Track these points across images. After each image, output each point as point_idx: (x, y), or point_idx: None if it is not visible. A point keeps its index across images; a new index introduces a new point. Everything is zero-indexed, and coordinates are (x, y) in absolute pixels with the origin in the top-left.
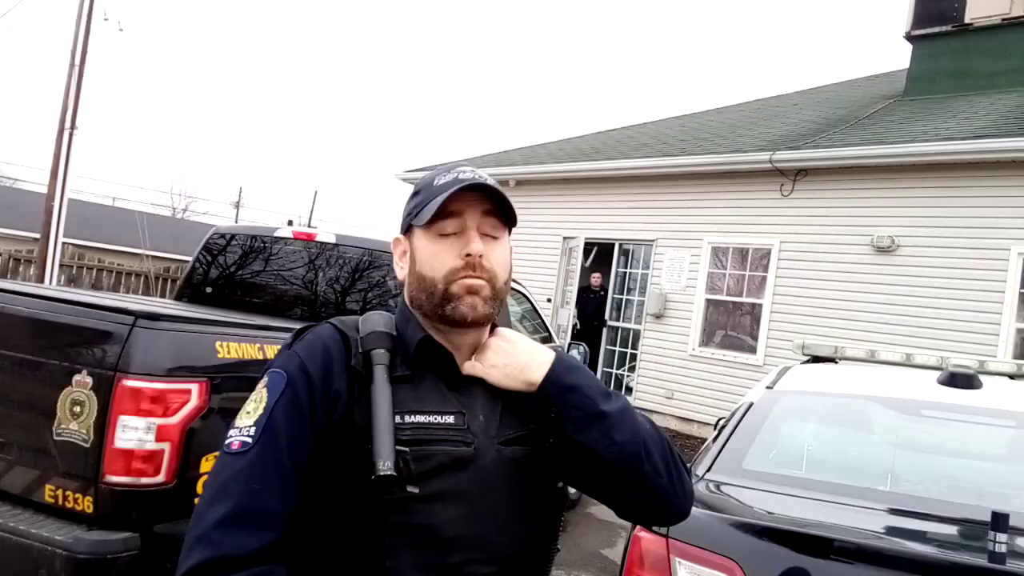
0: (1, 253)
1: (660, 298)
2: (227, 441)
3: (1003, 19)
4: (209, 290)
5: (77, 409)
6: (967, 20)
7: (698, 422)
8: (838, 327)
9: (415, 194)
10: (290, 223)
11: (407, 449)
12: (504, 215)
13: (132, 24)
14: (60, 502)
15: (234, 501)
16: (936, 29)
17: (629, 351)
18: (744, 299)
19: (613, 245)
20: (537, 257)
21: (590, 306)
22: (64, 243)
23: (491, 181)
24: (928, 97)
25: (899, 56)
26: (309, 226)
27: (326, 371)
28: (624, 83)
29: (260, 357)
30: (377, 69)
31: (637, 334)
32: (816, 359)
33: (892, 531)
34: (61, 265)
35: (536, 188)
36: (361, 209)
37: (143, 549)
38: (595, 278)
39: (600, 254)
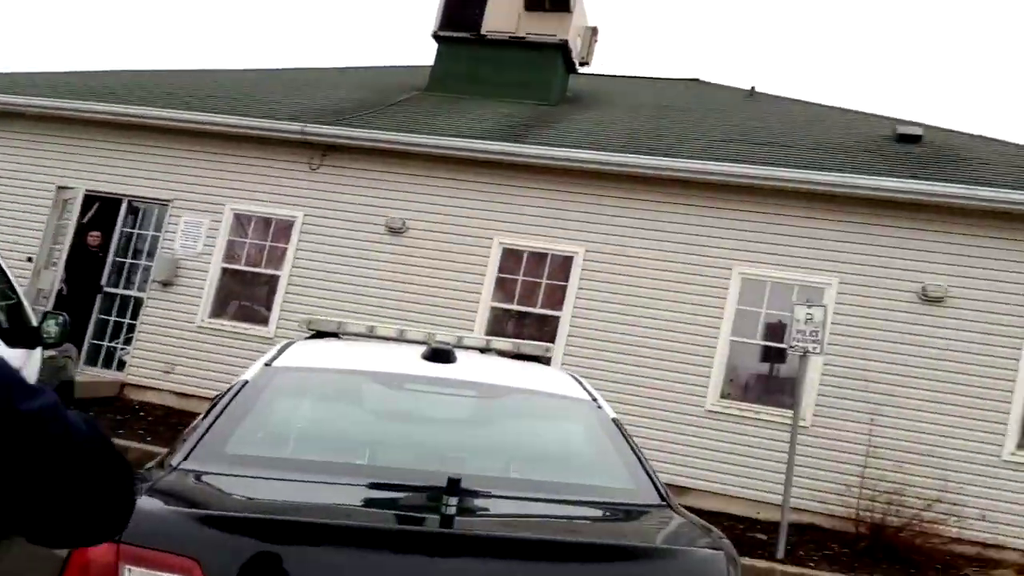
0: None
1: (171, 264)
2: None
3: (510, 36)
4: None
5: None
6: (483, 31)
7: (199, 397)
8: (351, 302)
9: None
10: None
11: None
12: None
13: None
14: None
15: None
16: (458, 34)
17: (128, 321)
18: (263, 270)
19: (120, 201)
20: (19, 207)
21: (85, 269)
22: None
23: None
24: (448, 94)
25: (427, 52)
26: None
27: None
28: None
29: None
30: None
31: (139, 302)
32: (320, 334)
33: (362, 505)
34: None
35: (23, 124)
36: None
37: None
38: (93, 237)
39: (103, 210)
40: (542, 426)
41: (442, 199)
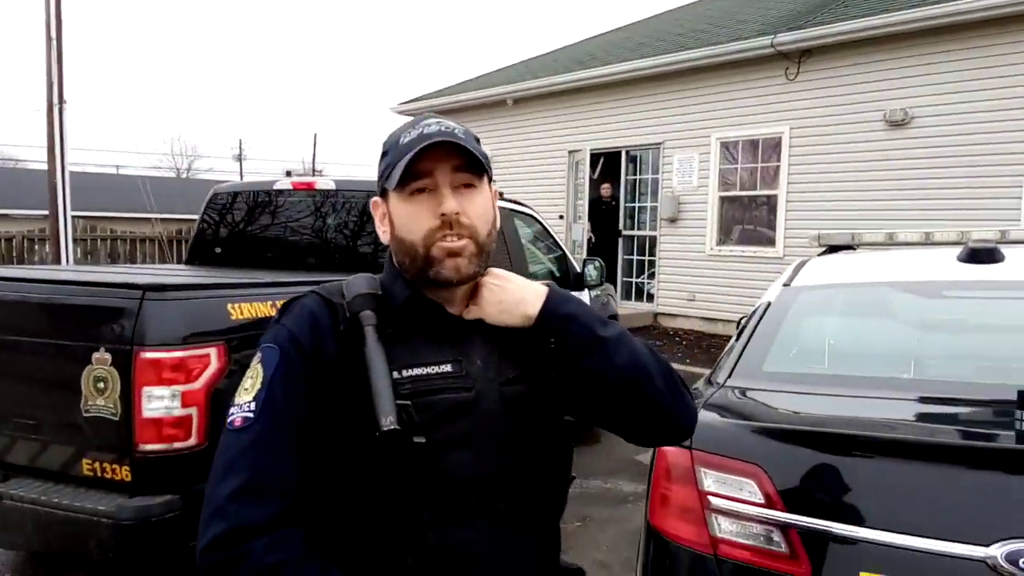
0: (14, 235)
1: (673, 201)
2: (229, 419)
3: None
4: (218, 251)
5: (101, 385)
6: None
7: (723, 321)
8: (857, 209)
9: (384, 155)
10: (288, 174)
11: (408, 402)
12: (476, 165)
13: None
14: (99, 474)
15: (245, 474)
16: None
17: (647, 258)
18: (758, 192)
19: (620, 153)
20: (544, 174)
21: (603, 217)
22: (74, 217)
23: (459, 131)
24: None
25: None
26: (313, 172)
27: (316, 339)
28: None
29: (273, 314)
30: (364, 2)
31: (653, 240)
32: (833, 249)
33: (918, 419)
34: (75, 240)
35: (535, 104)
36: (363, 146)
37: (185, 508)
38: (605, 189)
39: (607, 164)
40: None
41: (952, 75)
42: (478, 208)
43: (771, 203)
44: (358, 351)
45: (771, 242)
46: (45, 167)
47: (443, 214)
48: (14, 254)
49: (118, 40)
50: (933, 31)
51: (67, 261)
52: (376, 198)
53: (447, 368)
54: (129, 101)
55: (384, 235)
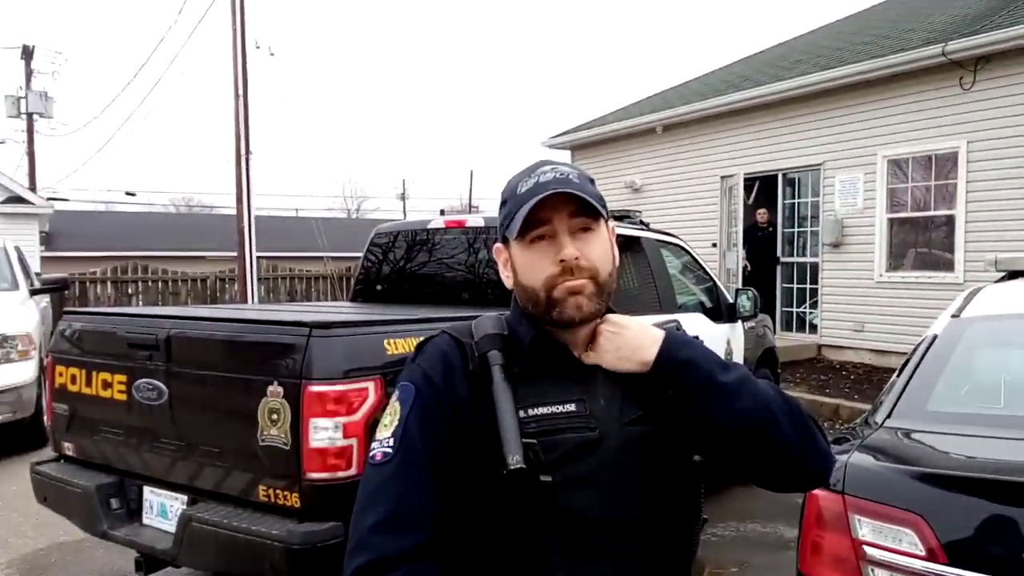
0: (208, 276)
1: (836, 225)
2: (371, 454)
3: None
4: (380, 288)
5: (275, 416)
6: None
7: (895, 353)
8: None
9: (503, 203)
10: (442, 213)
11: (535, 441)
12: (592, 210)
13: (281, 46)
14: (272, 500)
15: (385, 507)
16: None
17: (808, 286)
18: (933, 212)
19: (776, 176)
20: (695, 201)
21: (759, 245)
22: (259, 258)
23: (573, 175)
24: None
25: None
26: (470, 208)
27: (448, 378)
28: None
29: None
30: (515, 37)
31: (815, 267)
32: (1015, 275)
33: None
34: (259, 279)
35: (684, 130)
36: None
37: (347, 534)
38: (761, 214)
39: (763, 188)
40: None
41: None
42: (596, 251)
43: (949, 224)
44: (487, 390)
45: (949, 266)
46: (234, 212)
47: (563, 260)
48: (208, 293)
49: (295, 92)
50: None
51: (252, 299)
52: (498, 245)
53: (571, 407)
54: (307, 149)
55: (508, 280)
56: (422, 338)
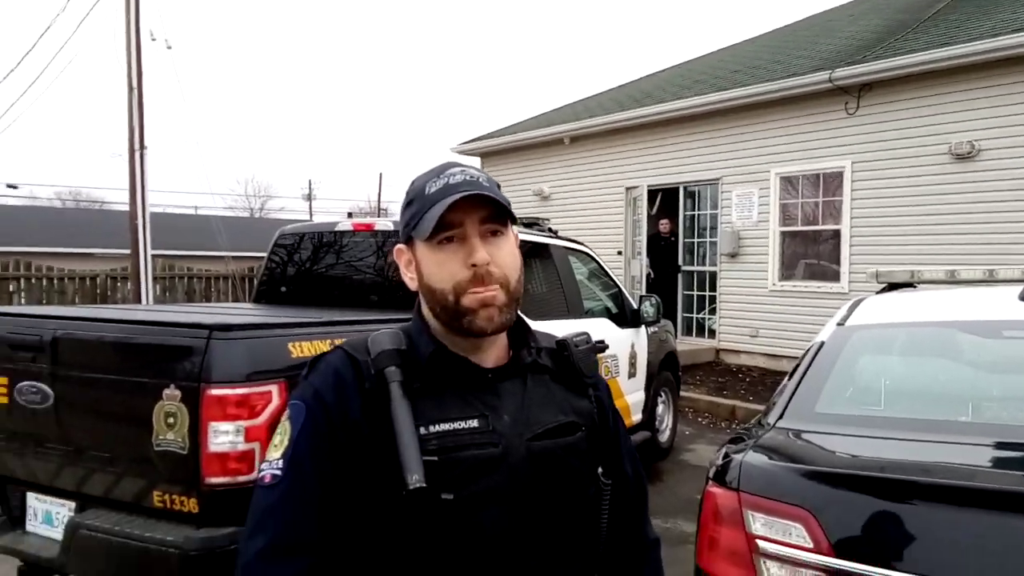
0: (98, 274)
1: (733, 236)
2: (260, 474)
3: None
4: (284, 290)
5: (171, 420)
6: None
7: (787, 357)
8: (922, 244)
9: (409, 203)
10: (349, 215)
11: (435, 458)
12: (503, 214)
13: (179, 40)
14: (168, 505)
15: (271, 533)
16: None
17: (707, 294)
18: (821, 227)
19: (677, 189)
20: (601, 210)
21: (662, 253)
22: (154, 256)
23: (483, 179)
24: None
25: None
26: (379, 211)
27: (341, 397)
28: (668, 20)
29: None
30: (426, 42)
31: (714, 276)
32: (892, 286)
33: (976, 464)
34: (155, 278)
35: (592, 142)
36: None
37: None
38: (663, 224)
39: (665, 200)
40: None
41: (1021, 113)
42: (506, 256)
43: (836, 238)
44: (384, 408)
45: (836, 277)
46: (127, 208)
47: (475, 264)
48: (98, 291)
49: (195, 87)
50: (1000, 63)
51: (147, 298)
52: (400, 245)
53: (474, 423)
54: (206, 145)
55: (412, 282)
56: (317, 353)
